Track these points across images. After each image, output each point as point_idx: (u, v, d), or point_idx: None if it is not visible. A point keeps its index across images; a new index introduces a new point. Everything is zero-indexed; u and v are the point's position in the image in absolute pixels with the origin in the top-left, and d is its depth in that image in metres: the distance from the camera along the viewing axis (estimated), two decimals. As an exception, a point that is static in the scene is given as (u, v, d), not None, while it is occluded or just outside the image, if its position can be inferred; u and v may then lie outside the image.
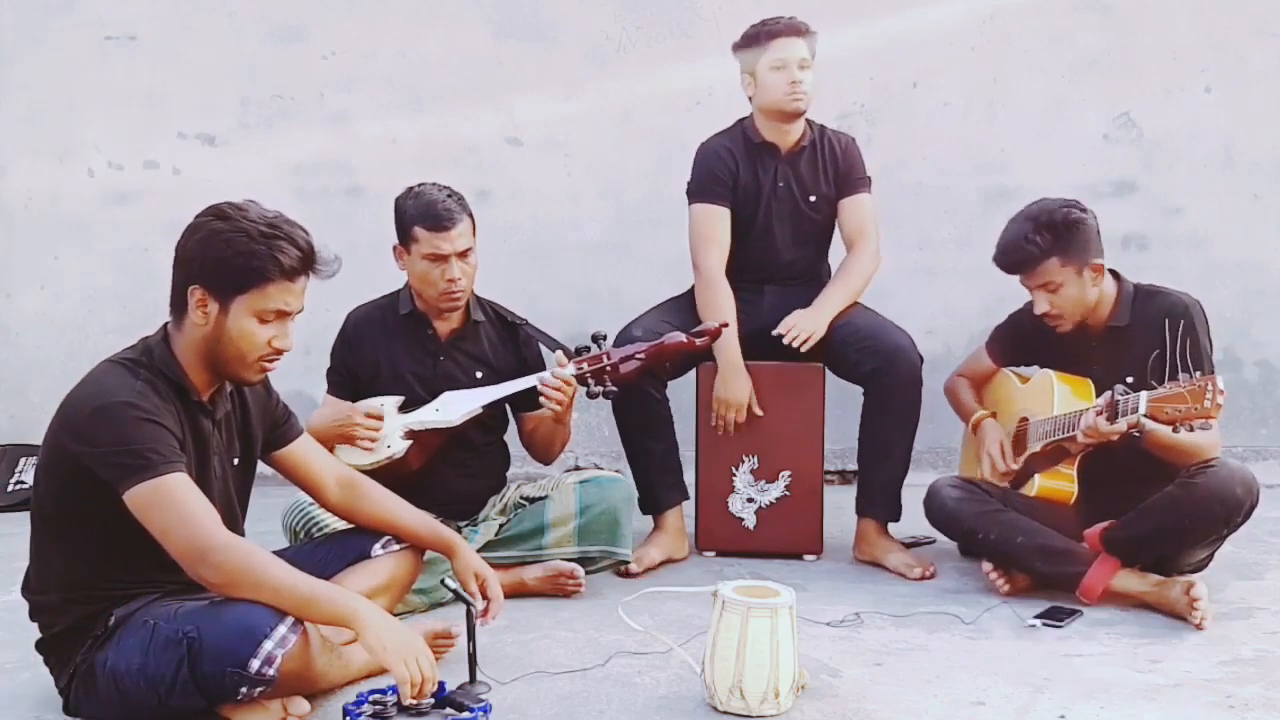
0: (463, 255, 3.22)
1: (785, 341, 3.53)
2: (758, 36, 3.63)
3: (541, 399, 3.20)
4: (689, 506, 3.72)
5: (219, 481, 2.52)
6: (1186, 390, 2.88)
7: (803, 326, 3.54)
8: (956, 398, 3.68)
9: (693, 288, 3.72)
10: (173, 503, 2.28)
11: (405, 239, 3.26)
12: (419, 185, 3.29)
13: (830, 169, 3.71)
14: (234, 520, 2.55)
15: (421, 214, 3.21)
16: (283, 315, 2.42)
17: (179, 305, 2.43)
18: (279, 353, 2.45)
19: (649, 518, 3.68)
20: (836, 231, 3.78)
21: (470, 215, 3.26)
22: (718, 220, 3.66)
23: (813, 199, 3.71)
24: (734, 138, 3.72)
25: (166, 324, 2.47)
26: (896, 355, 3.53)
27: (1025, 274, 3.29)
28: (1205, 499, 3.03)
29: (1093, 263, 3.24)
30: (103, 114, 4.75)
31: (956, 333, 4.66)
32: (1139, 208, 4.73)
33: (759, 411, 3.57)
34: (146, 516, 2.29)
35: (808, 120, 3.71)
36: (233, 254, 2.35)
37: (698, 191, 3.70)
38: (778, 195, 3.69)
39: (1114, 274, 3.33)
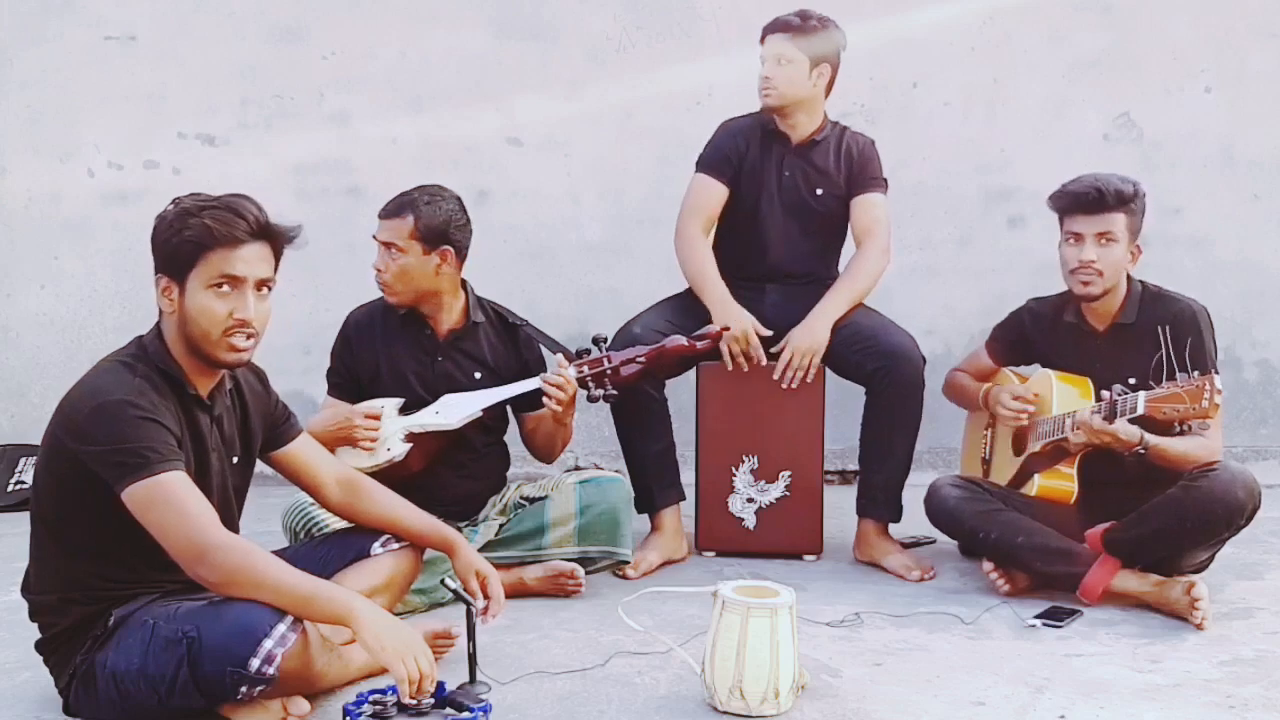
0: (387, 247, 3.25)
1: (784, 386, 3.52)
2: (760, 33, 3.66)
3: (544, 398, 3.20)
4: (689, 507, 3.72)
5: (217, 478, 2.52)
6: (1184, 390, 2.89)
7: (796, 363, 3.50)
8: (958, 387, 3.67)
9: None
10: (170, 501, 2.28)
11: None
12: (426, 185, 3.33)
13: (844, 166, 3.69)
14: (230, 518, 2.55)
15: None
16: (235, 282, 2.38)
17: (157, 300, 2.45)
18: (243, 324, 2.40)
19: (648, 519, 3.67)
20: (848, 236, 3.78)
21: (418, 217, 3.21)
22: (711, 194, 3.68)
23: (819, 191, 3.69)
24: (754, 121, 3.73)
25: (159, 320, 2.48)
26: (898, 356, 3.52)
27: (1095, 213, 3.24)
28: (1207, 502, 3.03)
29: (1137, 244, 3.28)
30: (103, 114, 4.75)
31: (956, 333, 4.67)
32: (1139, 208, 4.73)
33: (765, 331, 3.55)
34: (144, 515, 2.29)
35: (832, 121, 3.72)
36: (174, 233, 2.38)
37: (704, 162, 3.73)
38: (783, 184, 3.69)
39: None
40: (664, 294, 3.81)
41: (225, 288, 2.38)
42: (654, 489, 3.64)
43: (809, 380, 3.52)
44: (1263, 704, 2.56)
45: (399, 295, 3.29)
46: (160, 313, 2.47)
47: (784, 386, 3.52)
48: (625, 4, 4.70)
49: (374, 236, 3.28)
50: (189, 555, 2.29)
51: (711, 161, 3.71)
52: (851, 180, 3.70)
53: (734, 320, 3.53)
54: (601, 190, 4.79)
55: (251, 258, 2.40)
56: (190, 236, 2.37)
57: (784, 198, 3.69)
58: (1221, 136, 4.74)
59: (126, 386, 2.34)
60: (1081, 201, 3.27)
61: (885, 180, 3.73)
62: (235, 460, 2.58)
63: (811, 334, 3.53)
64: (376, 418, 3.22)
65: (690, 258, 3.66)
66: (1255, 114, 4.73)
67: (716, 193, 3.68)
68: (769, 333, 3.57)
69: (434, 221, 3.24)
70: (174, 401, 2.41)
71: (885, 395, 3.55)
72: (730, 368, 3.54)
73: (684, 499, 3.71)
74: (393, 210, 3.26)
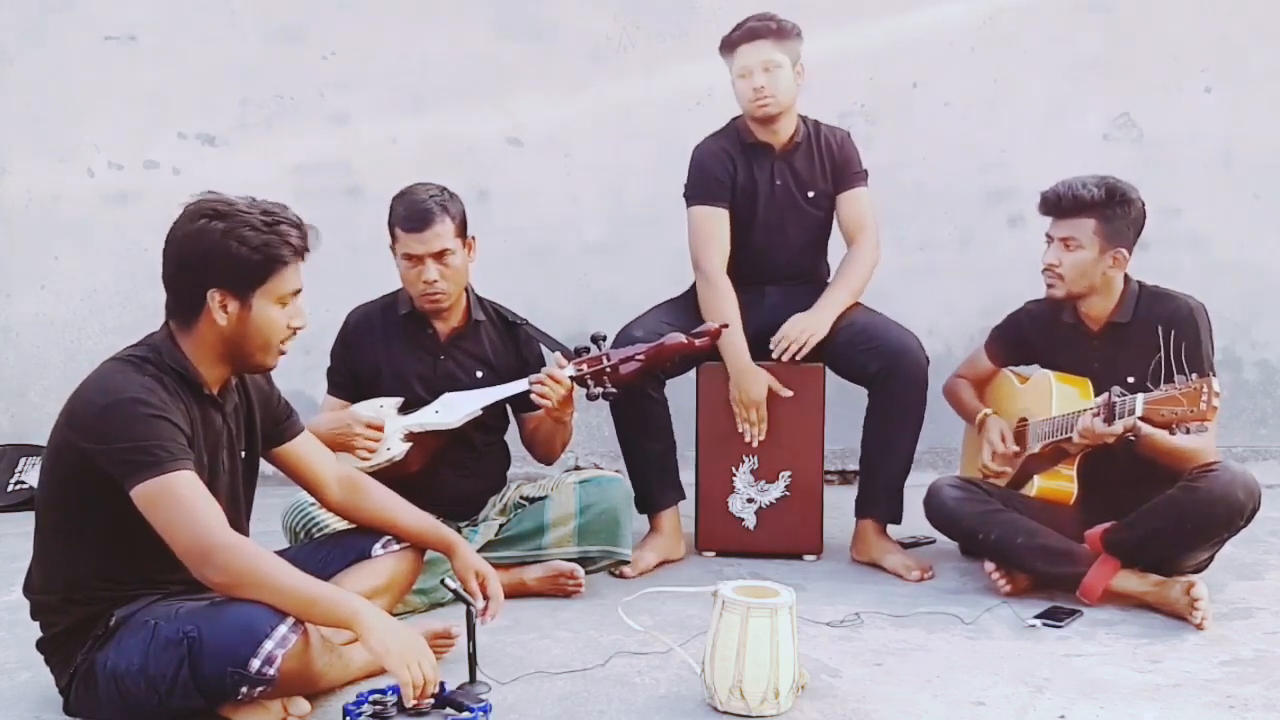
0: (439, 257, 3.21)
1: (775, 356, 3.53)
2: (725, 45, 3.62)
3: (533, 397, 3.19)
4: (689, 507, 3.72)
5: (227, 475, 2.53)
6: (1182, 393, 2.89)
7: (793, 336, 3.51)
8: (958, 398, 3.68)
9: (693, 287, 3.72)
10: (179, 501, 2.29)
11: (391, 238, 3.27)
12: (414, 184, 3.29)
13: (827, 164, 3.70)
14: (238, 516, 2.56)
15: (400, 214, 3.24)
16: (295, 294, 2.45)
17: (188, 310, 2.42)
18: (295, 332, 2.48)
19: (648, 519, 3.67)
20: (835, 230, 3.78)
21: (453, 216, 3.22)
22: (718, 221, 3.65)
23: (811, 194, 3.70)
24: (729, 137, 3.71)
25: (168, 324, 2.47)
26: (902, 356, 3.52)
27: (1059, 217, 3.28)
28: (1208, 502, 3.03)
29: (1120, 250, 3.25)
30: (103, 114, 4.74)
31: (956, 333, 4.66)
32: (1139, 208, 4.72)
33: (786, 392, 3.55)
34: (152, 513, 2.29)
35: (802, 117, 3.71)
36: (248, 250, 2.36)
37: (696, 194, 3.68)
38: (776, 193, 3.68)
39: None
40: (664, 294, 3.81)
41: (288, 300, 2.42)
42: (654, 489, 3.64)
43: (798, 358, 3.51)
44: (1263, 704, 2.56)
45: (452, 298, 3.28)
46: (173, 323, 2.45)
47: (775, 359, 3.53)
48: (625, 4, 4.70)
49: (409, 254, 3.20)
50: (195, 555, 2.29)
51: (707, 190, 3.66)
52: (835, 177, 3.70)
53: (750, 386, 3.53)
54: (601, 190, 4.79)
55: (301, 267, 2.46)
56: (273, 254, 2.37)
57: (777, 204, 3.69)
58: (1221, 136, 4.74)
59: (137, 385, 2.34)
60: (1046, 203, 3.30)
61: (865, 171, 3.74)
62: (243, 455, 2.59)
63: (812, 319, 3.54)
64: (378, 428, 3.19)
65: (715, 304, 3.58)
66: (1255, 114, 4.73)
67: (723, 219, 3.65)
68: (789, 393, 3.55)
69: (462, 213, 3.28)
70: (187, 401, 2.42)
71: (889, 396, 3.55)
72: (740, 430, 3.57)
73: (683, 498, 3.70)
74: (426, 219, 3.18)
